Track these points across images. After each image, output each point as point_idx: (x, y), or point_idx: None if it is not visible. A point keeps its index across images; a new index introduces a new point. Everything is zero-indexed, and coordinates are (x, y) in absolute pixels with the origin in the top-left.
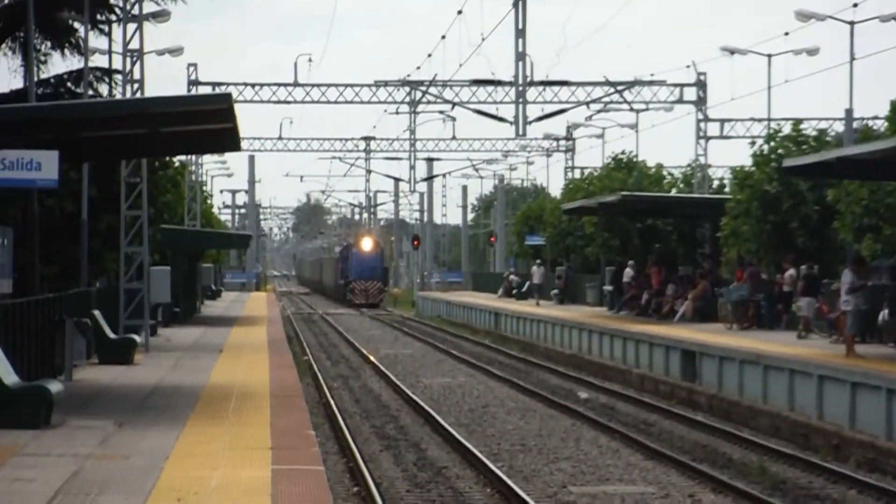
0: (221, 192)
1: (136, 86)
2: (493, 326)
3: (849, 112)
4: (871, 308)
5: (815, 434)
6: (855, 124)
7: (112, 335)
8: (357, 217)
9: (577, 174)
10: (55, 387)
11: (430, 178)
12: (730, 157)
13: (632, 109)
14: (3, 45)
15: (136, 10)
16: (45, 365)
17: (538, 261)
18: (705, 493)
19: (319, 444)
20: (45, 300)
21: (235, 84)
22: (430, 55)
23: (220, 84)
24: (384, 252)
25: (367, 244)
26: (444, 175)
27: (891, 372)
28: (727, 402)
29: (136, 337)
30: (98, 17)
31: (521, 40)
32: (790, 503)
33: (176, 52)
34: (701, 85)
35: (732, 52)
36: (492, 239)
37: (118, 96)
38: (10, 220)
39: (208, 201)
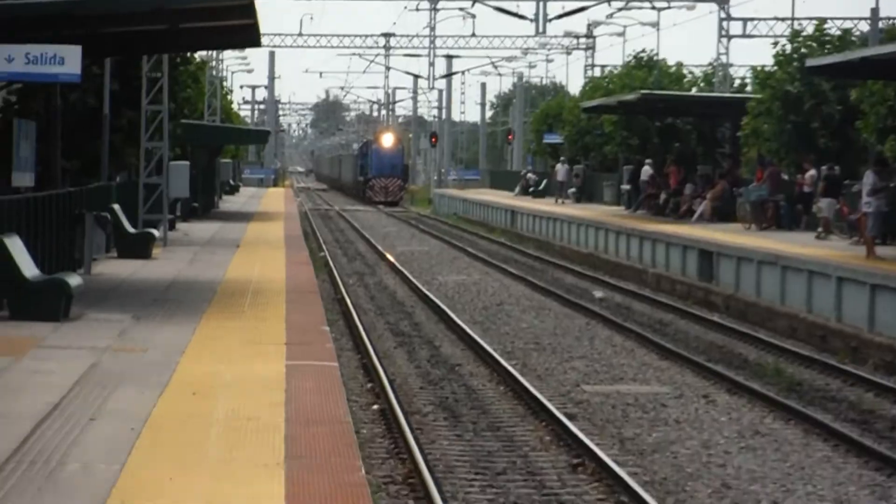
0: (241, 87)
1: None
2: (509, 225)
3: (874, 11)
4: (892, 210)
5: (833, 336)
6: (881, 24)
7: (131, 229)
8: (375, 114)
9: (597, 72)
10: (74, 280)
11: (449, 76)
12: (752, 56)
13: (653, 7)
14: None
15: None
16: (64, 258)
17: (562, 158)
18: (720, 393)
19: (334, 339)
20: (66, 194)
21: None
22: None
23: None
24: (404, 149)
25: (387, 140)
26: (462, 72)
27: None
28: (744, 303)
29: (154, 231)
30: None
31: None
32: (806, 405)
33: None
34: None
35: None
36: (510, 137)
37: None
38: (33, 115)
39: (228, 97)
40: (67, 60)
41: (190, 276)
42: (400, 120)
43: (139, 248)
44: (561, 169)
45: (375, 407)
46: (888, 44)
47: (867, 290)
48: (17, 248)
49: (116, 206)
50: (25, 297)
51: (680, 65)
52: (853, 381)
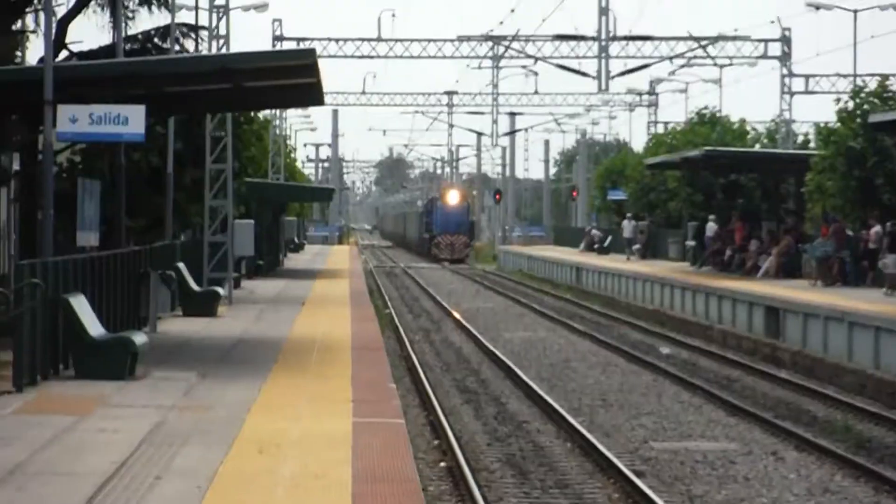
0: (305, 145)
1: (221, 41)
2: (574, 281)
3: None
4: None
5: None
6: None
7: (196, 287)
8: (439, 171)
9: (660, 129)
10: (140, 338)
11: (512, 133)
12: (814, 112)
13: (715, 64)
14: (92, 2)
15: None
16: (130, 317)
17: (628, 215)
18: (788, 450)
19: (400, 396)
20: (131, 253)
21: (319, 39)
22: (513, 10)
23: (304, 39)
24: (470, 205)
25: (453, 197)
26: (526, 129)
27: None
28: (811, 360)
29: (219, 289)
30: None
31: None
32: (875, 462)
33: (261, 7)
34: (785, 40)
35: (818, 7)
36: (573, 193)
37: (204, 52)
38: (97, 174)
39: (292, 155)
40: (131, 120)
41: (255, 333)
42: (464, 177)
43: (204, 306)
44: (627, 225)
45: (443, 464)
46: None
47: None
48: (82, 306)
49: (181, 265)
50: (91, 356)
51: (743, 121)
52: None
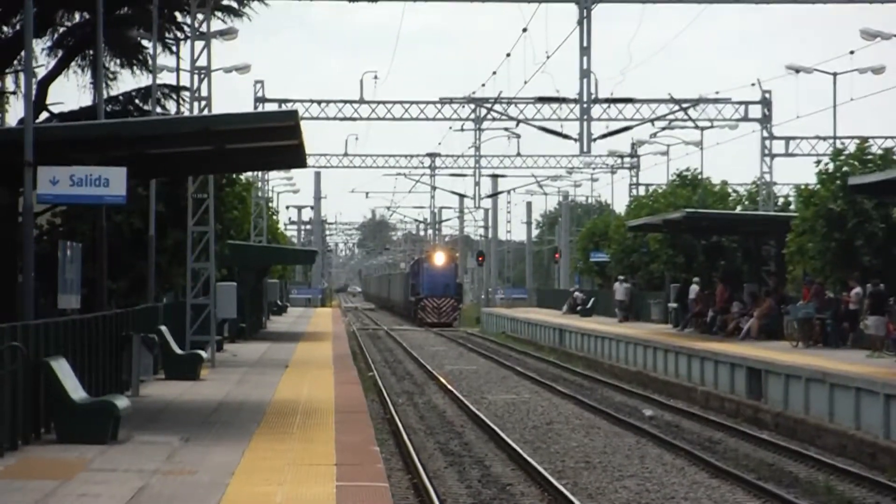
0: (287, 207)
1: (203, 103)
2: (557, 343)
3: None
4: None
5: (882, 453)
6: None
7: (179, 351)
8: (422, 233)
9: (642, 191)
10: (122, 402)
11: (494, 195)
12: (794, 174)
13: (696, 127)
14: (73, 63)
15: (203, 28)
16: (112, 380)
17: (620, 277)
18: None
19: (384, 460)
20: (113, 316)
21: (301, 101)
22: (494, 73)
23: (286, 101)
24: (457, 267)
25: (439, 258)
26: (508, 191)
27: None
28: (793, 421)
29: (202, 352)
30: (166, 35)
31: (585, 58)
32: None
33: (243, 69)
34: (766, 103)
35: (797, 70)
36: (556, 255)
37: (186, 113)
38: (78, 236)
39: (274, 217)
40: (112, 182)
41: (239, 397)
42: (446, 239)
43: (187, 369)
44: (619, 288)
45: None
46: None
47: None
48: (64, 370)
49: (163, 328)
50: (73, 420)
51: (724, 183)
52: None
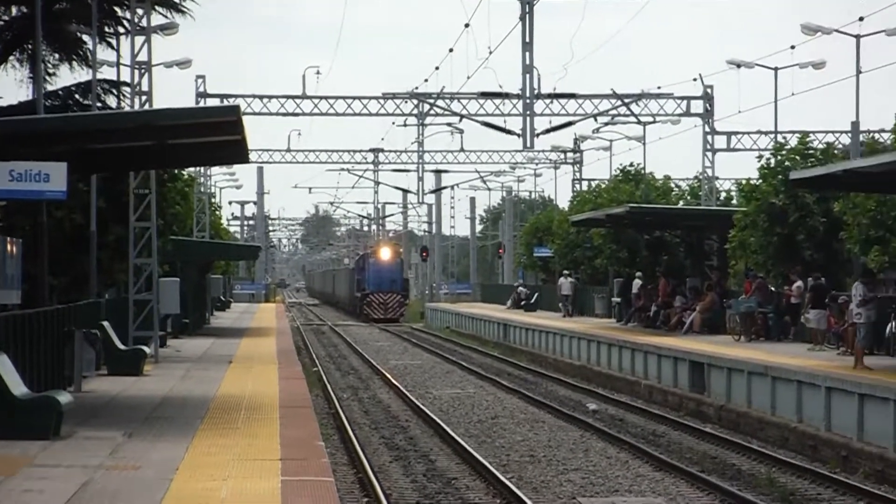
0: (230, 203)
1: (144, 98)
2: (501, 338)
3: (855, 125)
4: (878, 320)
5: (823, 445)
6: (861, 137)
7: (121, 346)
8: (366, 228)
9: (585, 186)
10: (64, 398)
11: (438, 190)
12: (737, 169)
13: (639, 122)
14: (11, 57)
15: (144, 23)
16: (54, 376)
17: (565, 272)
18: None
19: (329, 455)
20: (55, 311)
21: (243, 96)
22: (437, 68)
23: (228, 96)
24: (403, 262)
25: (385, 254)
26: (452, 187)
27: None
28: (735, 414)
29: (145, 348)
30: (106, 29)
31: (528, 53)
32: None
33: (184, 64)
34: (707, 98)
35: (739, 65)
36: (500, 251)
37: (126, 108)
38: (19, 232)
39: (217, 213)
40: (53, 178)
41: (182, 392)
42: (390, 234)
43: (130, 364)
44: (564, 282)
45: None
46: (869, 156)
47: (856, 400)
48: (5, 366)
49: (106, 323)
50: (14, 416)
51: (668, 178)
52: (845, 490)
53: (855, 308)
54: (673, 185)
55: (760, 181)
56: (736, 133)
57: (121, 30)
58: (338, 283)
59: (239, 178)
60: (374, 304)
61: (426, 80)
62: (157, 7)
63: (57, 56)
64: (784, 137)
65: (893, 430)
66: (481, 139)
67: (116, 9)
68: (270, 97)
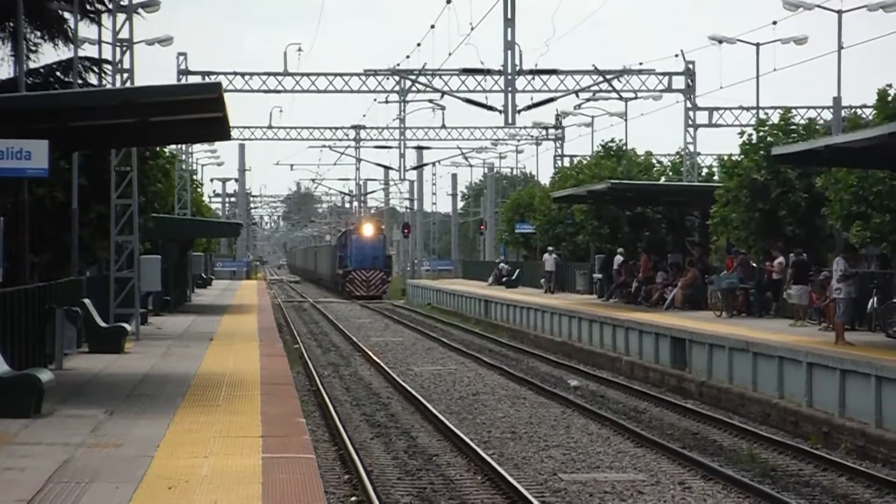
0: (212, 180)
1: (125, 75)
2: (483, 314)
3: (837, 100)
4: (859, 296)
5: (804, 421)
6: (843, 113)
7: (102, 324)
8: (347, 205)
9: (567, 162)
10: (45, 376)
11: (419, 167)
12: (718, 145)
13: (620, 98)
14: None
15: (125, 0)
16: (35, 354)
17: (549, 248)
18: (695, 480)
19: (310, 431)
20: (36, 289)
21: (225, 73)
22: (419, 44)
23: (209, 73)
24: (386, 238)
25: (367, 230)
26: (433, 163)
27: (880, 359)
28: (717, 390)
29: (126, 325)
30: (88, 6)
31: (509, 29)
32: (780, 490)
33: (165, 41)
34: (689, 74)
35: (720, 41)
36: (481, 227)
37: (108, 86)
38: None
39: (198, 190)
40: (34, 155)
41: (163, 370)
42: (372, 211)
43: (111, 342)
44: (549, 258)
45: (353, 499)
46: (851, 132)
47: (837, 376)
48: None
49: (87, 301)
50: None
51: (649, 154)
52: (826, 465)
53: (835, 283)
54: (655, 161)
55: (742, 157)
56: (718, 109)
57: (102, 7)
58: (320, 260)
59: (220, 155)
60: (356, 282)
61: (408, 57)
62: None
63: (38, 34)
64: (766, 113)
65: (875, 405)
66: (463, 116)
67: None
68: (252, 74)
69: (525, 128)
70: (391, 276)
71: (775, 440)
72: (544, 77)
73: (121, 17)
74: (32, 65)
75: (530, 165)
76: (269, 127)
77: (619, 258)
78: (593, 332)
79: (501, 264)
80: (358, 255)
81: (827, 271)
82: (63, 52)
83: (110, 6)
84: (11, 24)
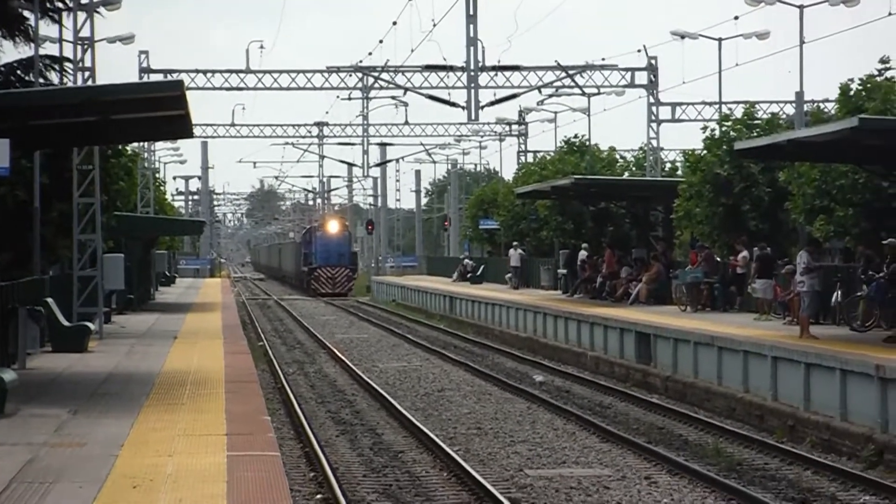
0: (175, 178)
1: (87, 74)
2: (448, 311)
3: (799, 95)
4: (823, 289)
5: (770, 415)
6: (806, 107)
7: (66, 323)
8: (311, 202)
9: (530, 158)
10: (8, 375)
11: (383, 163)
12: (681, 140)
13: (583, 94)
14: None
15: None
16: None
17: (514, 243)
18: (661, 475)
19: (275, 429)
20: None
21: (187, 71)
22: (381, 41)
23: (171, 71)
24: (351, 235)
25: (333, 227)
26: (397, 160)
27: (844, 352)
28: (682, 384)
29: (89, 324)
30: (48, 4)
31: (472, 25)
32: (746, 484)
33: (127, 40)
34: (652, 69)
35: (683, 36)
36: (446, 223)
37: (69, 84)
38: None
39: (161, 188)
40: None
41: (127, 368)
42: (336, 208)
43: (74, 341)
44: (514, 254)
45: (319, 496)
46: (814, 126)
47: (802, 369)
48: None
49: (50, 300)
50: None
51: (613, 149)
52: (791, 459)
53: (798, 276)
54: (618, 156)
55: (705, 152)
56: (681, 104)
57: (62, 6)
58: (284, 258)
59: (183, 153)
60: (321, 279)
61: (370, 54)
62: None
63: None
64: (729, 108)
65: (839, 399)
66: (426, 112)
67: None
68: (214, 72)
69: (488, 124)
70: (356, 272)
71: (741, 434)
72: (507, 73)
73: (81, 15)
74: None
75: (494, 161)
76: (232, 124)
77: (583, 253)
78: (558, 328)
79: (466, 260)
80: (323, 253)
81: (791, 265)
82: (24, 51)
83: (71, 4)
84: None
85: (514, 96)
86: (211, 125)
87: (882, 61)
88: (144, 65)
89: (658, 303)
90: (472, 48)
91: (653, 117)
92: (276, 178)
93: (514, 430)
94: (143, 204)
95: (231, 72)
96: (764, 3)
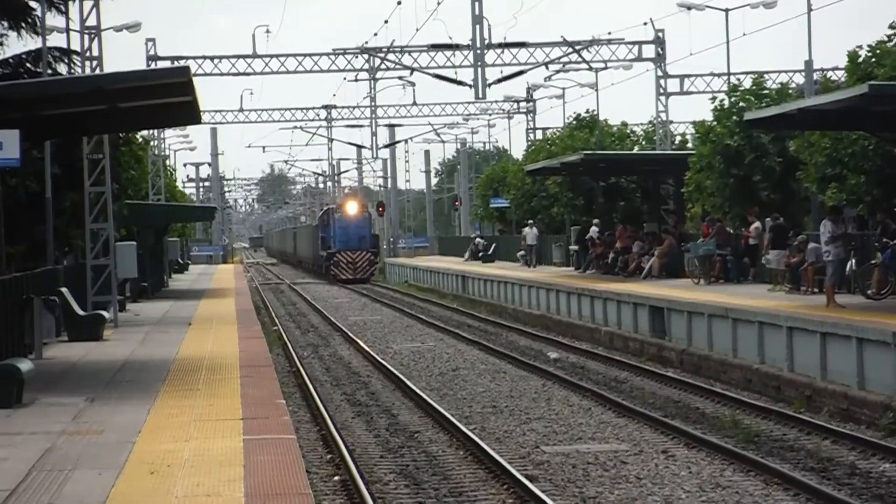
0: (185, 165)
1: (94, 63)
2: (460, 290)
3: (808, 63)
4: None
5: (786, 386)
6: (815, 76)
7: (80, 312)
8: (321, 186)
9: (539, 135)
10: (25, 365)
11: (392, 145)
12: (691, 112)
13: (591, 69)
14: None
15: None
16: (14, 344)
17: (529, 221)
18: (679, 448)
19: (291, 413)
20: (12, 279)
21: (194, 57)
22: (386, 21)
23: (178, 58)
24: (371, 216)
25: (352, 208)
26: (406, 141)
27: (861, 321)
28: (697, 357)
29: (104, 313)
30: None
31: (477, 3)
32: (764, 455)
33: (133, 27)
34: (659, 42)
35: (689, 7)
36: (456, 203)
37: (78, 74)
38: None
39: (172, 175)
40: (6, 145)
41: (142, 356)
42: (346, 190)
43: (90, 330)
44: (529, 232)
45: (336, 478)
46: (823, 94)
47: (818, 339)
48: None
49: (64, 290)
50: None
51: (624, 124)
52: (809, 429)
53: (824, 246)
54: (628, 130)
55: (715, 123)
56: (689, 76)
57: None
58: (299, 242)
59: (193, 139)
60: (341, 264)
61: (376, 35)
62: None
63: (5, 24)
64: (737, 78)
65: (856, 367)
66: (433, 92)
67: None
68: (221, 57)
69: (496, 102)
70: (378, 257)
71: (758, 406)
72: (513, 50)
73: (87, 4)
74: (1, 56)
75: (503, 139)
76: (241, 110)
77: (594, 229)
78: (571, 304)
79: (477, 239)
80: (343, 236)
81: (804, 234)
82: (31, 43)
83: None
84: None
85: (520, 73)
86: (220, 111)
87: (892, 27)
88: (152, 52)
89: (671, 276)
90: (477, 26)
91: (661, 90)
92: (286, 162)
93: (530, 407)
94: (154, 192)
95: (238, 57)
96: None
